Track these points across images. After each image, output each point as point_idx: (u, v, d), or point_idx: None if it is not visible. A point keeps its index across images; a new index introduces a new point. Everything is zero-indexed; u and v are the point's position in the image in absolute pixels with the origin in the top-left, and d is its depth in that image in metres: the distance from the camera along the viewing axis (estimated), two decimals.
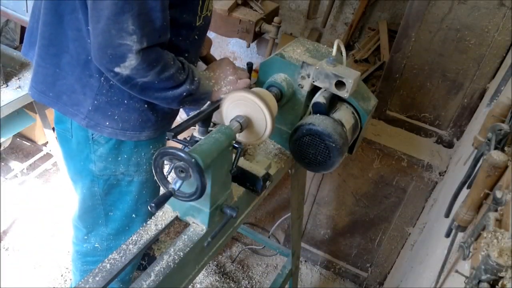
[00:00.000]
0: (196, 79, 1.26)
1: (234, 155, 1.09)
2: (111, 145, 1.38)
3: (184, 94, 1.23)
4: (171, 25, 1.18)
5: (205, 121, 1.24)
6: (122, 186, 1.49)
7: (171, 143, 1.23)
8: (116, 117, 1.31)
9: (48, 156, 2.69)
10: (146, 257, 2.26)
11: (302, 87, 1.34)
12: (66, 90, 1.32)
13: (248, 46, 2.64)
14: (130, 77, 1.14)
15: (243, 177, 1.20)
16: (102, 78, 1.26)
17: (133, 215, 1.56)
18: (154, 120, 1.36)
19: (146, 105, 1.32)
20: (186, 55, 1.32)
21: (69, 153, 1.48)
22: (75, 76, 1.29)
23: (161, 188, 1.02)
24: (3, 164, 2.64)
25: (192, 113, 1.23)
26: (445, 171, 2.04)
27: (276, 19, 2.49)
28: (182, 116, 2.90)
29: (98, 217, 1.56)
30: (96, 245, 1.64)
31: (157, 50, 1.15)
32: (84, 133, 1.37)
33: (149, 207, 0.95)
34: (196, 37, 1.35)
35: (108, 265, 0.97)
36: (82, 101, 1.30)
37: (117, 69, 1.12)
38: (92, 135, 1.37)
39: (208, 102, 1.35)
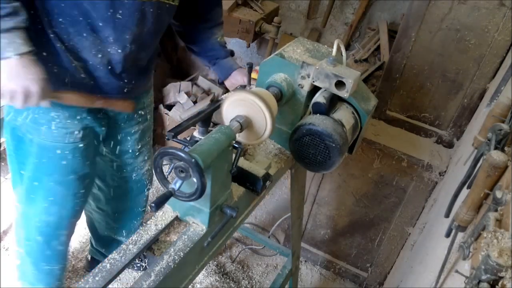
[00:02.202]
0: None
1: (234, 155, 1.09)
2: None
3: None
4: None
5: (205, 121, 1.24)
6: (26, 144, 1.51)
7: (171, 143, 1.22)
8: None
9: None
10: (146, 258, 2.26)
11: (302, 87, 1.34)
12: None
13: (248, 46, 2.64)
14: None
15: (243, 177, 1.20)
16: None
17: (35, 183, 1.58)
18: None
19: None
20: (105, 35, 1.28)
21: None
22: None
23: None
24: (3, 164, 2.64)
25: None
26: (445, 171, 2.04)
27: (276, 19, 2.49)
28: (182, 116, 2.90)
29: (15, 173, 1.62)
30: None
31: None
32: None
33: (149, 207, 0.95)
34: (119, 16, 1.27)
35: (108, 265, 0.97)
36: None
37: None
38: None
39: (208, 102, 1.35)
